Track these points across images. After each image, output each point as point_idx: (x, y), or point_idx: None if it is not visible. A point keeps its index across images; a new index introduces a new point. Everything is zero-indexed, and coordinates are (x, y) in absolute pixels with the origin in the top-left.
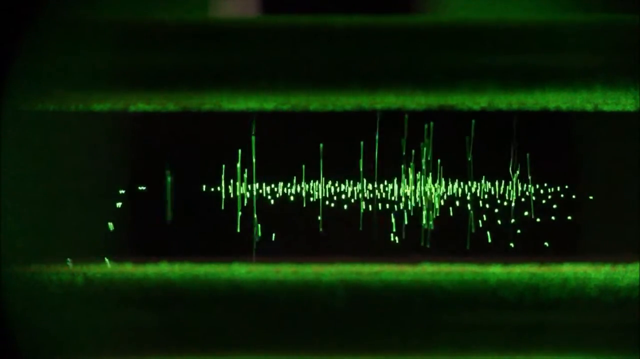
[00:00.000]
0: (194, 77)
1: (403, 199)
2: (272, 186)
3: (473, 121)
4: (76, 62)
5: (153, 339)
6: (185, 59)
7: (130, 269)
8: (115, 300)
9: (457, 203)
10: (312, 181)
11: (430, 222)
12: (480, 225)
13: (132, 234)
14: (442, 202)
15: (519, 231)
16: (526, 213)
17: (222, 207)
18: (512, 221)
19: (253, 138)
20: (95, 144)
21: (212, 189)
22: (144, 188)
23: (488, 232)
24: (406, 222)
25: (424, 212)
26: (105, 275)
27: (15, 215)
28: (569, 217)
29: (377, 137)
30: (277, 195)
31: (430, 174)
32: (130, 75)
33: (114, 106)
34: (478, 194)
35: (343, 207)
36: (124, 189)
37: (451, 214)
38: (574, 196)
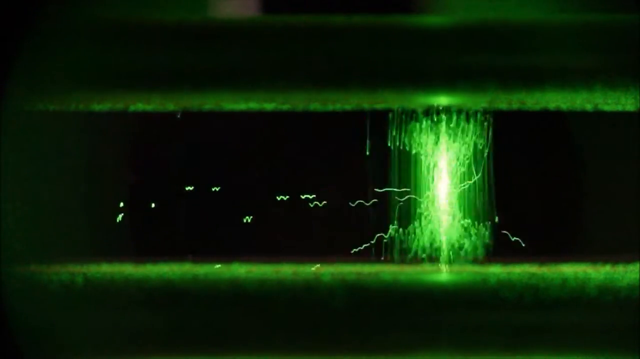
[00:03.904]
0: (194, 77)
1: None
2: None
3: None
4: (76, 62)
5: (153, 340)
6: (185, 59)
7: (130, 269)
8: (115, 300)
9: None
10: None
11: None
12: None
13: (133, 234)
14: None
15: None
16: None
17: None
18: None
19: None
20: (95, 144)
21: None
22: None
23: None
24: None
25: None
26: (105, 275)
27: (15, 215)
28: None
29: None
30: None
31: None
32: (130, 75)
33: (114, 106)
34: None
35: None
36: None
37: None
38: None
